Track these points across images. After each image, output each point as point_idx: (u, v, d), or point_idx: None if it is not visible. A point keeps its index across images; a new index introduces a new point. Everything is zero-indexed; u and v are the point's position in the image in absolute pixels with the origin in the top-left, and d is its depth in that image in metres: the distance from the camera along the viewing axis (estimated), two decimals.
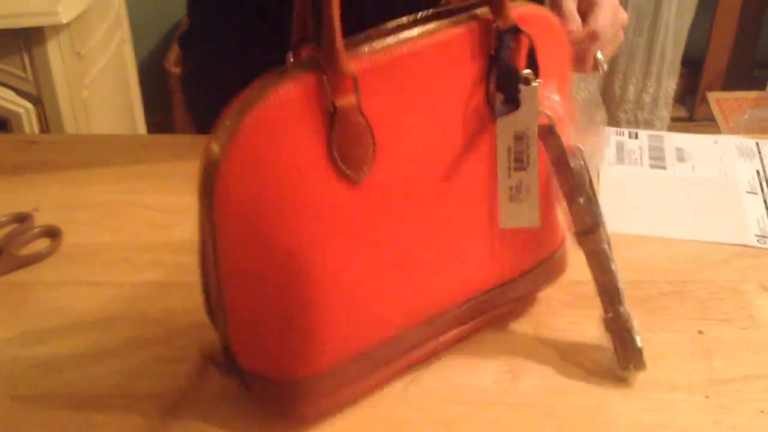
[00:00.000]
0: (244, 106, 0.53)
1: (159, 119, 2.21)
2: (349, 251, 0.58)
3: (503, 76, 0.61)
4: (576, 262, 0.71)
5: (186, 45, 1.10)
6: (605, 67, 0.76)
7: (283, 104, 0.53)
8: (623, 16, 0.81)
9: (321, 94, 0.54)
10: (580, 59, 0.76)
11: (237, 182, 0.54)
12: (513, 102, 0.61)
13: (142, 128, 2.11)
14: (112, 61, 1.89)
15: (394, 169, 0.58)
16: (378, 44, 0.56)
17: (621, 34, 0.80)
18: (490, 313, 0.71)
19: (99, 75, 1.80)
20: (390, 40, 0.57)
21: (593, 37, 0.77)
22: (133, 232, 0.85)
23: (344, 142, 0.55)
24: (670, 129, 2.58)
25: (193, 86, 1.13)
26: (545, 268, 0.72)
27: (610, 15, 0.78)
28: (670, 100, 2.58)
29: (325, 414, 0.64)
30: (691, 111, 2.60)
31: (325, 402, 0.63)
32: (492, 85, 0.61)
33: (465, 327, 0.70)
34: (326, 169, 0.55)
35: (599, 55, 0.78)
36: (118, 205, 0.89)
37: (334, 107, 0.54)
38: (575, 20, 0.75)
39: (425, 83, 0.58)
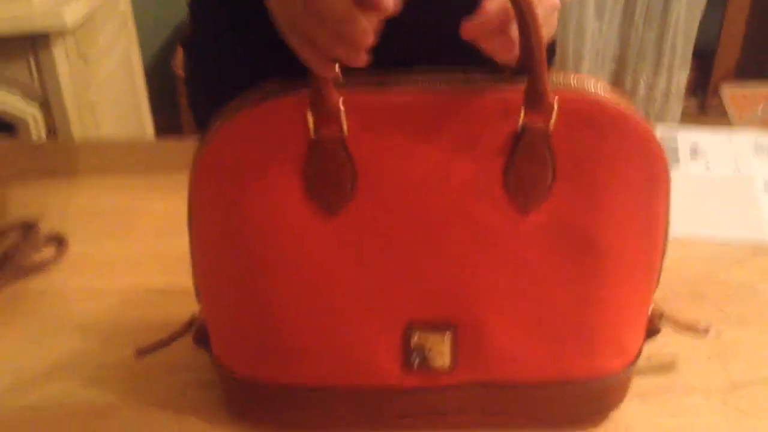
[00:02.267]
0: (231, 109, 0.55)
1: (166, 121, 2.20)
2: (314, 280, 0.58)
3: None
4: None
5: (188, 47, 1.09)
6: None
7: (263, 119, 0.54)
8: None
9: (303, 120, 0.53)
10: (504, 43, 0.59)
11: (209, 178, 0.56)
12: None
13: (149, 130, 2.10)
14: (118, 63, 1.89)
15: (375, 210, 0.56)
16: (387, 86, 0.54)
17: (553, 18, 0.63)
18: (493, 416, 0.64)
19: (106, 78, 1.79)
20: (401, 85, 0.54)
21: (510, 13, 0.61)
22: (140, 239, 0.84)
23: (320, 173, 0.54)
24: (682, 122, 2.57)
25: (195, 88, 1.12)
26: (589, 389, 0.63)
27: None
28: (682, 94, 2.56)
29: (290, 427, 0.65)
30: (702, 103, 2.58)
31: (291, 416, 0.64)
32: (511, 174, 0.55)
33: (461, 417, 0.64)
34: (297, 194, 0.55)
35: None
36: (124, 211, 0.88)
37: (315, 137, 0.54)
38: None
39: (428, 134, 0.55)
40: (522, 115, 0.53)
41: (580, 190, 0.55)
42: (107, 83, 1.80)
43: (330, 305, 0.59)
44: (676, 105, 2.52)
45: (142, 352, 0.67)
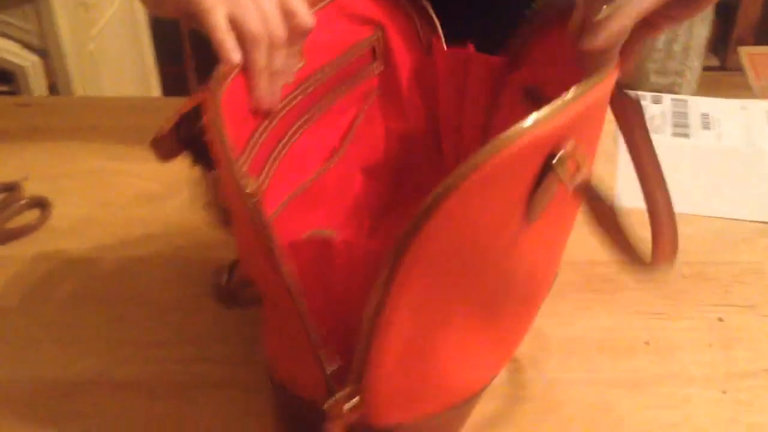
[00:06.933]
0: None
1: (172, 70, 2.16)
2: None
3: None
4: (590, 242, 0.66)
5: None
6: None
7: (505, 163, 0.45)
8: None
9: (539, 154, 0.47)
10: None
11: (441, 233, 0.46)
12: None
13: (154, 80, 2.06)
14: (120, 10, 1.84)
15: (563, 210, 0.55)
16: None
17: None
18: None
19: (106, 26, 1.75)
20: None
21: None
22: (124, 205, 0.81)
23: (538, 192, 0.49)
24: (702, 79, 2.50)
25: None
26: None
27: None
28: (702, 50, 2.48)
29: None
30: (723, 60, 2.50)
31: None
32: None
33: None
34: (519, 214, 0.49)
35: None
36: (109, 174, 0.85)
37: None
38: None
39: None
40: None
41: None
42: (108, 31, 1.76)
43: None
44: (696, 61, 2.45)
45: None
